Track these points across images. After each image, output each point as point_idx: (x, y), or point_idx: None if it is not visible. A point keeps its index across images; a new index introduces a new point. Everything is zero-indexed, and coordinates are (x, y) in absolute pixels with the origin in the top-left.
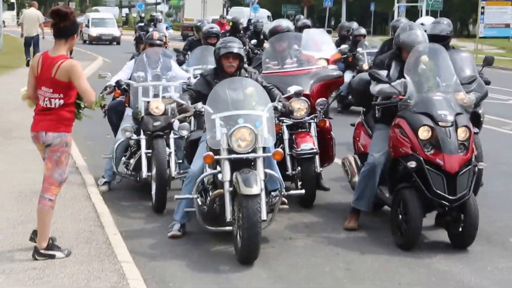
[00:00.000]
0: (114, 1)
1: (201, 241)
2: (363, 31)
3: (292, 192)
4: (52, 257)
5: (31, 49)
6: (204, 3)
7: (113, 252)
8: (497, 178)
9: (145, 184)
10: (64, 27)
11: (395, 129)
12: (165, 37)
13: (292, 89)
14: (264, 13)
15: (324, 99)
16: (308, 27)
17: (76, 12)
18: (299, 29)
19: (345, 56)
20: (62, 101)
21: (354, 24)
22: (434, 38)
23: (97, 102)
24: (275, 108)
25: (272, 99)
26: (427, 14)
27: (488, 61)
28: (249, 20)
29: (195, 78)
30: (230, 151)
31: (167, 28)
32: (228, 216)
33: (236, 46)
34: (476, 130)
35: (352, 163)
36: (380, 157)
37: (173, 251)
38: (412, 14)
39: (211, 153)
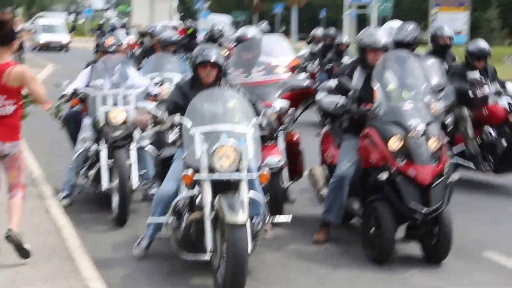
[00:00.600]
0: (61, 7)
1: (169, 255)
2: (344, 40)
3: (278, 218)
4: (20, 246)
5: None
6: (152, 9)
7: (77, 268)
8: (464, 189)
9: (104, 195)
10: (4, 35)
11: (365, 139)
12: (128, 44)
13: (278, 105)
14: (225, 19)
15: (293, 108)
16: (267, 33)
17: (24, 17)
18: None
19: (306, 64)
20: (15, 106)
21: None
22: (397, 45)
23: (52, 112)
24: (259, 125)
25: (256, 114)
26: (378, 21)
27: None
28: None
29: (155, 85)
30: (212, 171)
31: (127, 34)
32: (209, 246)
33: (214, 54)
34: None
35: (319, 174)
36: (348, 169)
37: (140, 266)
38: (362, 20)
39: (190, 171)
